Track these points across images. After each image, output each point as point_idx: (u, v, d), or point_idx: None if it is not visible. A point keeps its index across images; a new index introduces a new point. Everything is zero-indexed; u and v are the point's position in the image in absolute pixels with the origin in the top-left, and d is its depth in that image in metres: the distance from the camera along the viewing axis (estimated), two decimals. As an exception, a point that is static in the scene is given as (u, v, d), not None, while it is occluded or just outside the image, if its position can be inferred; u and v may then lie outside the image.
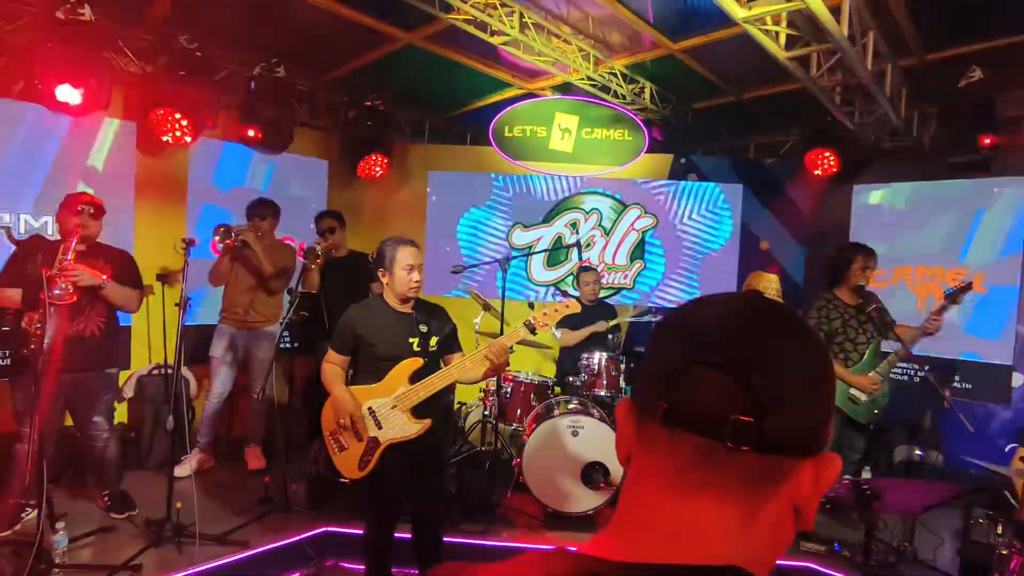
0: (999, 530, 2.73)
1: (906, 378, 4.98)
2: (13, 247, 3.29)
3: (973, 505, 3.26)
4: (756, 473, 0.52)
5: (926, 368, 4.03)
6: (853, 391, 3.61)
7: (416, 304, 2.71)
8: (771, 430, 0.51)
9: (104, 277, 3.22)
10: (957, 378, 4.80)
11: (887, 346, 3.72)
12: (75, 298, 3.03)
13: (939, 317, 3.50)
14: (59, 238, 3.24)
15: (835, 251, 3.86)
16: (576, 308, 2.79)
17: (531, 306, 4.65)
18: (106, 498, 3.53)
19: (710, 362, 0.53)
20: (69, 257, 3.02)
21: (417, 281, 2.64)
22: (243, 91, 4.78)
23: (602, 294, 5.00)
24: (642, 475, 0.57)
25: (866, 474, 4.04)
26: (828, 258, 3.87)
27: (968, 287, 3.56)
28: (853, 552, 3.36)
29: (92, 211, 3.27)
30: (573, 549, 0.54)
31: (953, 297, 3.52)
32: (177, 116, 4.26)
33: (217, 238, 3.65)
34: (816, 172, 5.10)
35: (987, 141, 4.16)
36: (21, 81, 3.85)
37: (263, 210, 4.34)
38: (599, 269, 5.24)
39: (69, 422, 3.49)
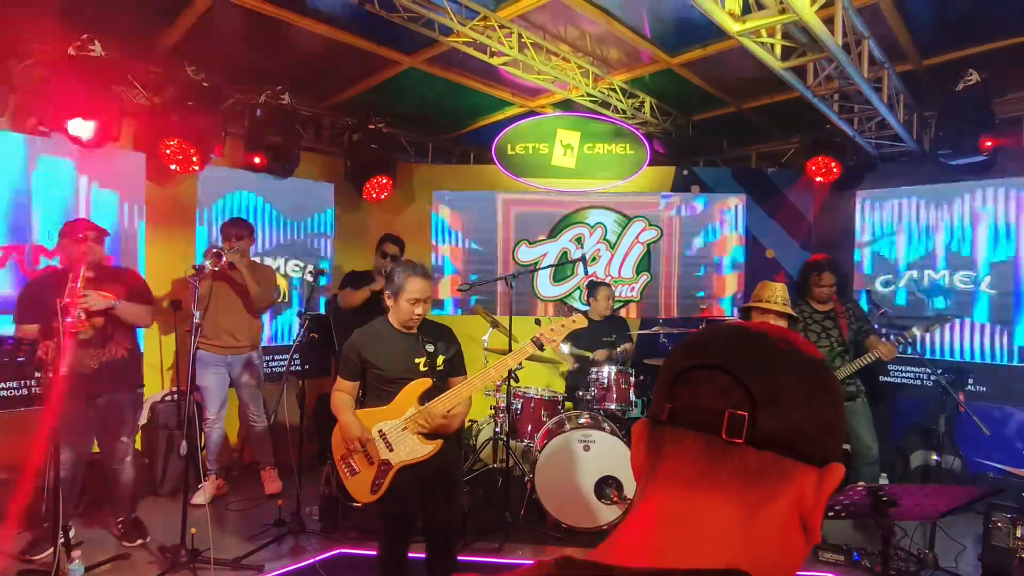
0: (1018, 533, 2.69)
1: (919, 382, 4.94)
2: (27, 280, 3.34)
3: (993, 509, 3.22)
4: (754, 469, 0.54)
5: (939, 372, 4.00)
6: None
7: (421, 324, 2.72)
8: (763, 423, 0.54)
9: (113, 297, 3.26)
10: (971, 381, 4.75)
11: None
12: (87, 324, 3.07)
13: (892, 345, 3.74)
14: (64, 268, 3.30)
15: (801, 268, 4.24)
16: (583, 323, 2.81)
17: (538, 322, 4.66)
18: (120, 525, 3.55)
19: (710, 364, 0.58)
20: (79, 284, 3.08)
21: (419, 314, 2.65)
22: (249, 118, 4.87)
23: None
24: (649, 480, 0.59)
25: (882, 480, 4.00)
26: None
27: (947, 319, 4.17)
28: (873, 561, 3.31)
29: (95, 236, 3.33)
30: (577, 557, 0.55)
31: (927, 327, 3.80)
32: (184, 145, 4.32)
33: (208, 262, 3.55)
34: (817, 179, 5.12)
35: (988, 143, 4.16)
36: (34, 117, 3.94)
37: (240, 229, 4.22)
38: (607, 281, 5.25)
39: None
